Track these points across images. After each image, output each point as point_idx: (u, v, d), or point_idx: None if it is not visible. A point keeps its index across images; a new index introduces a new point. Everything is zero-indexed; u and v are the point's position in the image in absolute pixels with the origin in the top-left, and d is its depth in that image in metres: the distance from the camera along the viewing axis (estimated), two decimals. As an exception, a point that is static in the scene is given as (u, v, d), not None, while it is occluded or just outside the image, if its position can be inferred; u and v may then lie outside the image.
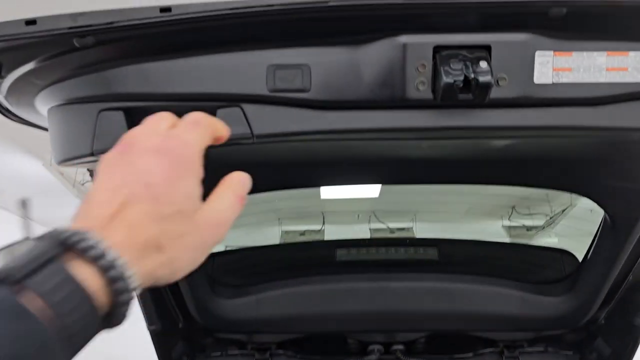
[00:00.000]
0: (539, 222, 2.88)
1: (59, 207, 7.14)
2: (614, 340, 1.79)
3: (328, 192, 1.90)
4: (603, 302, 1.73)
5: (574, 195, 1.61)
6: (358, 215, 2.29)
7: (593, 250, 1.63)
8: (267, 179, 1.32)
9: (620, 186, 1.33)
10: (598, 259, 1.62)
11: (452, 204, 2.07)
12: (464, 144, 1.16)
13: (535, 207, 2.42)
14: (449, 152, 1.25)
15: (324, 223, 2.83)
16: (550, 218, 2.97)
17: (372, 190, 1.96)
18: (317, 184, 1.44)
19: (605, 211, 1.43)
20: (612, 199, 1.39)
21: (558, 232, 3.08)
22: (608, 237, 1.53)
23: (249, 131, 0.90)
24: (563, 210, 3.13)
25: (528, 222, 2.99)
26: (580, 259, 1.79)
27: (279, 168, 1.28)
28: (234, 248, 2.00)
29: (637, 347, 1.68)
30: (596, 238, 1.60)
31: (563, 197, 2.74)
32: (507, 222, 2.53)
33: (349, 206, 2.10)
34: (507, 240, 2.31)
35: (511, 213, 2.55)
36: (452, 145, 1.18)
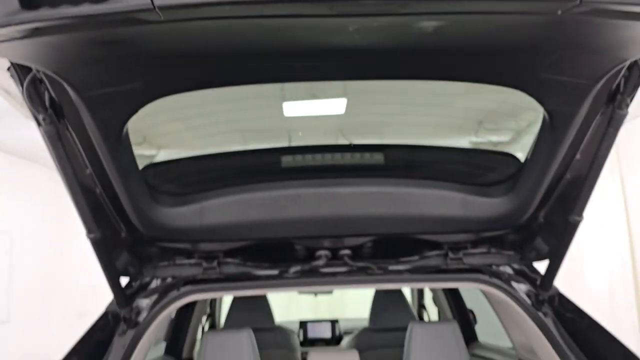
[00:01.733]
0: (505, 137, 2.92)
1: (9, 129, 6.87)
2: (551, 238, 1.85)
3: (291, 109, 1.82)
4: (542, 202, 1.78)
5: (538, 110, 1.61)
6: (324, 133, 2.24)
7: (533, 150, 1.65)
8: (187, 75, 1.26)
9: (556, 80, 1.32)
10: (537, 159, 1.65)
11: (421, 119, 2.04)
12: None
13: (502, 122, 2.44)
14: (377, 39, 1.19)
15: (290, 142, 2.77)
16: (516, 133, 3.00)
17: (337, 107, 1.91)
18: (240, 79, 1.36)
19: (544, 107, 1.43)
20: (548, 94, 1.39)
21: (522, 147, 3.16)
22: (546, 135, 1.54)
23: (148, 0, 0.82)
24: (528, 126, 3.18)
25: (494, 138, 3.06)
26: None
27: (197, 61, 1.22)
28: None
29: (571, 242, 1.74)
30: (536, 138, 1.61)
31: (528, 113, 2.75)
32: (474, 139, 2.56)
33: (314, 124, 2.04)
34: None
35: (478, 129, 2.58)
36: (378, 30, 1.13)
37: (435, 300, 3.79)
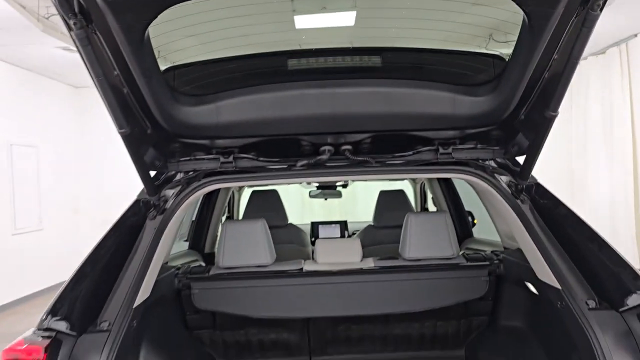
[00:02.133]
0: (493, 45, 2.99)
1: (25, 45, 6.99)
2: (530, 133, 2.04)
3: (302, 21, 1.95)
4: (522, 99, 1.94)
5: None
6: (329, 38, 2.36)
7: (514, 51, 1.79)
8: None
9: None
10: (518, 59, 1.79)
11: (429, 31, 2.14)
12: None
13: (512, 34, 2.49)
14: None
15: (296, 47, 2.86)
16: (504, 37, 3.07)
17: (347, 19, 2.02)
18: None
19: (522, 9, 1.55)
20: None
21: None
22: (526, 36, 1.68)
23: None
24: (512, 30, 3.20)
25: (504, 50, 3.12)
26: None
27: None
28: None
29: (547, 136, 1.92)
30: (517, 40, 1.75)
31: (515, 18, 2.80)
32: (484, 51, 2.64)
33: (325, 36, 2.15)
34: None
35: (488, 41, 2.63)
36: None
37: (435, 201, 4.06)
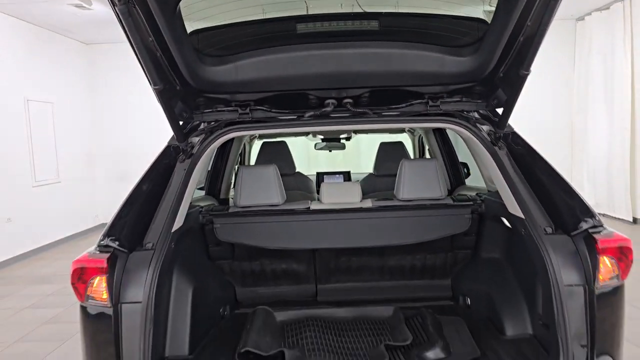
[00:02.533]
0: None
1: (39, 2, 7.18)
2: (508, 88, 2.35)
3: None
4: (501, 60, 2.24)
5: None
6: (341, 5, 2.58)
7: (494, 16, 2.08)
8: None
9: None
10: (497, 24, 2.08)
11: None
12: None
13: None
14: None
15: (307, 10, 3.07)
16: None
17: None
18: None
19: None
20: None
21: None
22: (505, 3, 1.95)
23: None
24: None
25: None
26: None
27: None
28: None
29: (521, 91, 2.23)
30: (496, 6, 2.03)
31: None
32: (487, 7, 2.83)
33: (330, 3, 2.39)
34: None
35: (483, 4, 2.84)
36: None
37: (431, 152, 4.39)
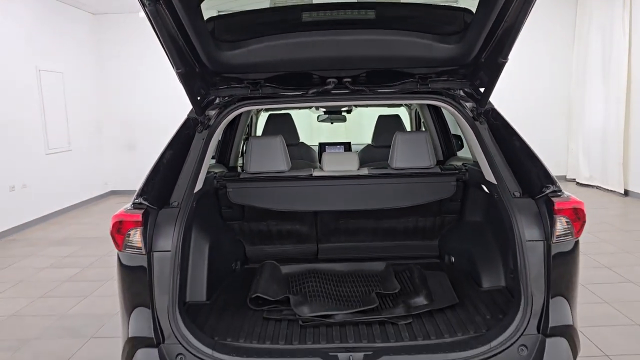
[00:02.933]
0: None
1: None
2: (488, 71, 2.64)
3: None
4: (482, 48, 2.53)
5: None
6: None
7: (477, 8, 2.35)
8: None
9: None
10: (481, 15, 2.35)
11: None
12: None
13: None
14: None
15: (311, 0, 3.30)
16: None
17: None
18: None
19: None
20: None
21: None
22: None
23: None
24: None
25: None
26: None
27: None
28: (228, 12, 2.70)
29: (500, 75, 2.52)
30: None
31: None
32: (457, 5, 3.04)
33: None
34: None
35: None
36: None
37: (425, 125, 4.70)
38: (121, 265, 2.27)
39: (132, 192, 2.47)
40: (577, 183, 9.93)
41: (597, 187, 9.45)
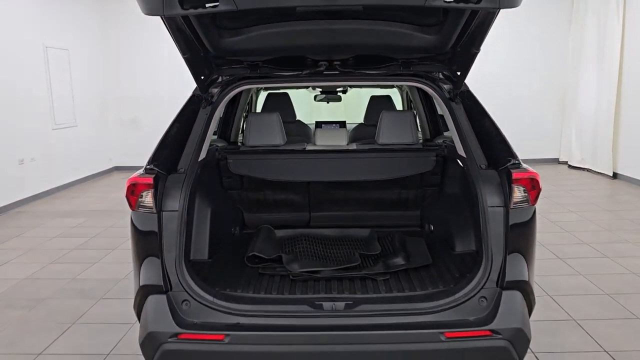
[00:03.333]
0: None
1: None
2: (463, 59, 2.90)
3: None
4: (458, 39, 2.78)
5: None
6: None
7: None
8: None
9: None
10: (457, 9, 2.61)
11: None
12: None
13: None
14: None
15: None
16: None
17: None
18: None
19: None
20: None
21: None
22: None
23: None
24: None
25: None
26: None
27: None
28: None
29: (473, 63, 2.78)
30: None
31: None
32: None
33: None
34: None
35: None
36: None
37: (415, 107, 4.99)
38: (134, 223, 2.57)
39: (135, 169, 2.70)
40: (569, 166, 10.16)
41: (588, 170, 9.71)
